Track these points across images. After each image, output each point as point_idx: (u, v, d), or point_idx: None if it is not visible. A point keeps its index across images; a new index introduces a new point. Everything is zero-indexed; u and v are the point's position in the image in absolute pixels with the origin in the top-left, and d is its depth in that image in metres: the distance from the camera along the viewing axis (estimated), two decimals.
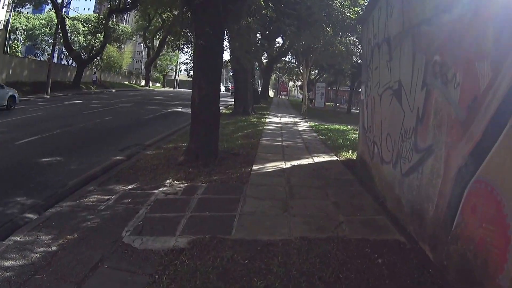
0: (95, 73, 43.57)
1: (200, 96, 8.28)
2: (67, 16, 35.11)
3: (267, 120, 18.24)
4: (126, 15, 50.51)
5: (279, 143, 11.17)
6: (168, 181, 6.82)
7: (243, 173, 7.45)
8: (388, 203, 5.80)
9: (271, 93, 73.54)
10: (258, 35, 24.82)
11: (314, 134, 14.13)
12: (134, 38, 55.82)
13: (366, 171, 7.49)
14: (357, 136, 14.41)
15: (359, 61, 21.51)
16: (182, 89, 62.33)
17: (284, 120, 19.32)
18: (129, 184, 6.64)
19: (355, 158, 9.55)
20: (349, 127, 18.15)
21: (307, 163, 8.69)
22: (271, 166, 8.09)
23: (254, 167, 7.91)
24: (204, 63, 8.27)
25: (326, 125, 17.88)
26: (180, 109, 22.75)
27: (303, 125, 17.31)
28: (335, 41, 14.94)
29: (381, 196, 6.22)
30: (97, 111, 18.76)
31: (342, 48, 15.25)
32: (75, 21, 46.97)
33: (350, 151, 10.36)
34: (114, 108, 20.68)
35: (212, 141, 8.49)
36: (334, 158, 9.58)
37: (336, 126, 17.56)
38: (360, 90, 42.21)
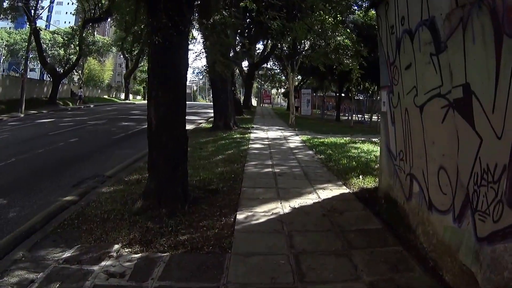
0: (80, 88, 43.47)
1: (158, 116, 6.04)
2: (40, 29, 34.30)
3: (252, 135, 15.90)
4: (106, 27, 49.56)
5: (270, 169, 8.85)
6: (116, 246, 4.65)
7: (224, 228, 5.23)
8: (448, 277, 3.77)
9: (254, 102, 72.22)
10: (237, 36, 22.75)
11: (310, 152, 11.85)
12: (113, 50, 54.30)
13: (398, 215, 5.29)
14: (360, 152, 12.35)
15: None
16: None
17: (272, 134, 16.99)
18: (67, 248, 4.61)
19: (370, 186, 7.49)
20: (346, 139, 16.17)
21: (311, 202, 6.39)
22: (262, 212, 5.79)
23: (239, 216, 5.61)
24: (162, 68, 6.01)
25: (320, 138, 15.67)
26: None
27: (295, 140, 15.02)
28: (334, 34, 12.70)
29: (430, 259, 4.18)
30: (66, 131, 17.08)
31: (346, 41, 12.86)
32: (55, 34, 45.66)
33: (360, 176, 8.19)
34: (84, 127, 18.95)
35: (179, 177, 6.20)
36: (344, 189, 7.32)
37: (331, 139, 15.35)
38: (356, 95, 40.47)
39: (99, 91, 55.06)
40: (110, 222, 5.44)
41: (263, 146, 12.74)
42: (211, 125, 18.81)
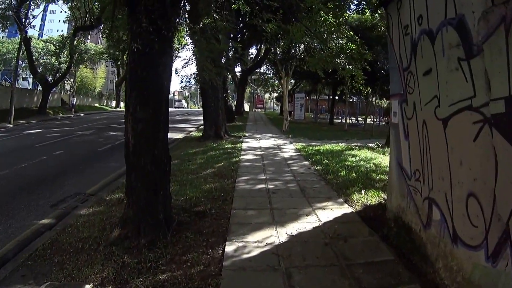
0: (73, 96, 43.23)
1: (136, 133, 5.25)
2: (31, 37, 34.84)
3: (244, 145, 15.09)
4: (99, 35, 49.26)
5: (263, 186, 8.05)
6: (87, 287, 3.93)
7: (211, 263, 4.46)
8: None
9: (246, 107, 71.76)
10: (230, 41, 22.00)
11: (306, 162, 11.08)
12: (105, 58, 53.99)
13: (412, 243, 4.61)
14: (358, 160, 11.61)
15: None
16: None
17: (265, 143, 16.18)
18: (35, 287, 4.04)
19: (374, 202, 6.86)
20: (341, 145, 15.57)
21: (311, 226, 5.60)
22: (255, 242, 4.98)
23: (229, 248, 4.82)
24: (141, 79, 5.20)
25: (315, 146, 14.95)
26: None
27: (289, 149, 14.24)
28: (336, 36, 11.90)
29: None
30: (52, 142, 16.35)
31: (350, 44, 11.99)
32: (47, 43, 45.33)
33: (363, 191, 7.51)
34: (71, 138, 18.19)
35: (160, 203, 5.40)
36: (347, 208, 6.55)
37: (327, 147, 14.64)
38: (349, 98, 39.97)
39: (90, 99, 54.36)
40: (84, 254, 4.75)
41: (255, 157, 11.94)
42: (201, 134, 17.96)
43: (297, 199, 7.02)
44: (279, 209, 6.35)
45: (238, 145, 14.76)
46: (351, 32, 12.79)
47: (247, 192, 7.51)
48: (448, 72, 3.57)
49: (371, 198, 7.22)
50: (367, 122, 32.59)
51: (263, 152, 12.98)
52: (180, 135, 20.75)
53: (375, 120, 31.67)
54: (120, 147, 14.74)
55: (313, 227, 5.55)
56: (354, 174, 9.17)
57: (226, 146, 14.28)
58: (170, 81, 5.73)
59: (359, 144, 17.15)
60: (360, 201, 6.96)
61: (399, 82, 4.91)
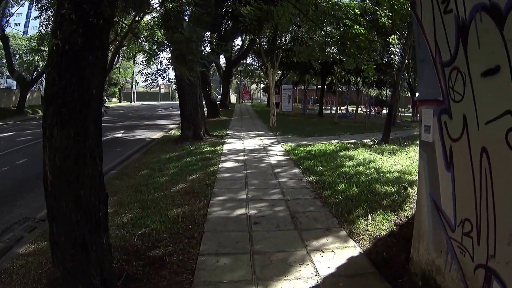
0: None
1: (54, 167, 3.57)
2: (9, 35, 33.50)
3: (226, 147, 13.36)
4: None
5: (243, 211, 6.36)
6: None
7: None
8: None
9: (233, 99, 70.58)
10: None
11: (296, 170, 9.44)
12: None
13: None
14: (356, 164, 10.04)
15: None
16: (140, 102, 61.61)
17: (250, 144, 14.44)
18: None
19: (385, 233, 5.36)
20: (334, 143, 14.21)
21: (306, 286, 3.97)
22: None
23: None
24: (59, 89, 3.48)
25: (305, 146, 13.36)
26: (120, 135, 18.43)
27: (276, 151, 12.56)
28: (340, 18, 10.09)
29: None
30: (19, 148, 14.82)
31: (357, 28, 10.05)
32: (30, 41, 42.80)
33: (369, 215, 5.96)
34: (41, 144, 15.84)
35: (92, 262, 3.76)
36: (352, 247, 4.95)
37: (319, 147, 13.07)
38: (339, 87, 38.76)
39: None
40: None
41: (237, 164, 10.25)
42: (180, 133, 16.21)
43: (287, 234, 5.37)
44: (263, 253, 4.70)
45: (218, 147, 13.05)
46: (356, 11, 10.71)
47: (222, 222, 5.84)
48: None
49: (381, 225, 5.66)
50: (358, 112, 31.14)
51: (246, 157, 11.29)
52: (158, 134, 19.05)
53: (366, 111, 30.13)
54: None
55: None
56: (355, 187, 7.58)
57: (204, 150, 12.56)
58: (103, 89, 4.01)
59: (353, 140, 15.70)
60: (367, 233, 5.38)
61: (434, 82, 3.27)
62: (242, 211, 6.32)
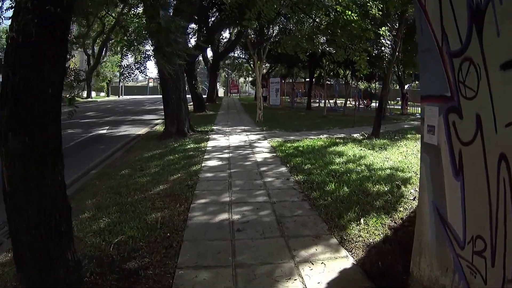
0: None
1: (13, 174, 3.08)
2: None
3: (210, 143, 12.83)
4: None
5: (226, 216, 5.86)
6: None
7: None
8: None
9: (221, 92, 70.20)
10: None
11: (283, 169, 8.97)
12: (77, 47, 51.23)
13: None
14: (346, 161, 9.60)
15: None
16: (128, 96, 60.51)
17: (235, 140, 13.92)
18: None
19: (378, 238, 4.97)
20: (323, 138, 13.82)
21: None
22: None
23: None
24: (13, 87, 2.96)
25: (293, 142, 12.91)
26: (105, 131, 17.82)
27: (262, 147, 12.07)
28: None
29: None
30: None
31: (350, 14, 9.37)
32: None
33: (361, 219, 5.53)
34: None
35: (62, 274, 3.32)
36: (345, 258, 4.49)
37: (307, 142, 12.62)
38: (328, 80, 38.62)
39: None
40: None
41: (221, 162, 9.74)
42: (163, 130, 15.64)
43: (273, 242, 4.90)
44: (246, 266, 4.23)
45: (202, 144, 12.52)
46: None
47: (203, 229, 5.35)
48: None
49: (374, 230, 5.25)
50: (347, 105, 30.83)
51: (231, 155, 10.79)
52: (143, 130, 18.48)
53: (355, 104, 29.80)
54: (71, 150, 12.81)
55: None
56: (345, 187, 7.14)
57: (188, 147, 12.02)
58: (62, 88, 3.48)
59: (342, 135, 15.30)
60: (360, 239, 4.95)
61: (440, 75, 2.80)
62: (224, 216, 5.84)
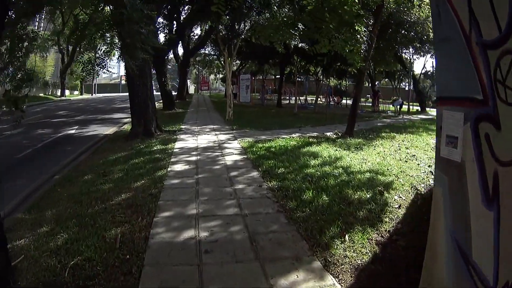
0: None
1: None
2: None
3: (178, 144, 11.99)
4: (45, 22, 44.99)
5: (192, 233, 5.10)
6: None
7: None
8: None
9: (192, 89, 69.59)
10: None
11: (255, 173, 8.28)
12: (50, 45, 49.44)
13: None
14: (322, 163, 8.98)
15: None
16: (101, 94, 59.38)
17: (204, 140, 13.13)
18: None
19: (367, 257, 4.41)
20: (295, 137, 13.34)
21: None
22: None
23: None
24: None
25: (265, 141, 12.28)
26: (74, 132, 16.76)
27: (233, 149, 11.32)
28: None
29: None
30: None
31: None
32: None
33: (346, 236, 4.92)
34: None
35: None
36: (331, 286, 3.84)
37: (280, 142, 12.00)
38: (298, 77, 38.73)
39: (34, 89, 49.71)
40: None
41: (188, 166, 8.95)
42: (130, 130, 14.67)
43: (246, 267, 4.19)
44: None
45: (170, 145, 11.69)
46: None
47: (166, 250, 4.59)
48: None
49: (361, 248, 4.68)
50: (318, 103, 30.48)
51: (199, 157, 10.01)
52: (111, 130, 17.46)
53: (326, 100, 29.51)
54: (40, 152, 12.11)
55: None
56: (324, 195, 6.52)
57: (154, 148, 11.17)
58: None
59: (315, 133, 14.80)
60: (347, 261, 4.34)
61: (466, 72, 2.15)
62: (190, 233, 5.10)
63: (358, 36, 8.95)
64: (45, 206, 6.49)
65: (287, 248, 4.66)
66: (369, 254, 4.53)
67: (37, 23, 35.15)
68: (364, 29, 9.96)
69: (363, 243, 4.77)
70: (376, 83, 35.89)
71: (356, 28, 8.72)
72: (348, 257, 4.39)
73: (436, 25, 2.53)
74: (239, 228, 5.25)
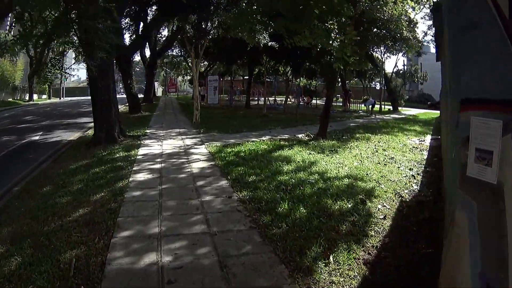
0: None
1: None
2: None
3: (142, 151, 11.16)
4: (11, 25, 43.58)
5: (154, 257, 4.37)
6: None
7: None
8: None
9: (160, 91, 68.80)
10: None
11: (224, 182, 7.62)
12: (19, 49, 47.41)
13: None
14: (296, 168, 8.38)
15: None
16: (69, 98, 58.12)
17: (169, 145, 12.32)
18: None
19: (356, 282, 3.84)
20: (266, 140, 12.86)
21: None
22: None
23: None
24: None
25: (234, 145, 11.68)
26: (38, 138, 15.75)
27: (200, 155, 10.56)
28: None
29: None
30: None
31: None
32: None
33: (330, 257, 4.33)
34: None
35: None
36: None
37: (249, 146, 11.41)
38: (267, 78, 38.51)
39: (3, 94, 47.64)
40: None
41: (151, 176, 8.19)
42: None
43: None
44: None
45: (133, 152, 10.88)
46: None
47: (124, 280, 3.86)
48: None
49: (348, 270, 4.08)
50: (287, 103, 30.12)
51: (163, 165, 9.25)
52: (76, 135, 16.45)
53: (296, 101, 29.21)
54: (5, 159, 11.40)
55: None
56: (301, 206, 5.93)
57: (117, 156, 10.33)
58: None
59: (286, 136, 14.30)
60: None
61: (505, 67, 1.55)
62: (152, 257, 4.39)
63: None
64: (1, 222, 5.78)
65: (264, 274, 4.01)
66: (358, 277, 3.96)
67: (7, 26, 33.48)
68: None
69: (350, 264, 4.19)
70: (347, 82, 35.80)
71: (343, 17, 7.91)
72: (335, 283, 3.80)
73: (455, 10, 1.94)
74: (207, 250, 4.56)
